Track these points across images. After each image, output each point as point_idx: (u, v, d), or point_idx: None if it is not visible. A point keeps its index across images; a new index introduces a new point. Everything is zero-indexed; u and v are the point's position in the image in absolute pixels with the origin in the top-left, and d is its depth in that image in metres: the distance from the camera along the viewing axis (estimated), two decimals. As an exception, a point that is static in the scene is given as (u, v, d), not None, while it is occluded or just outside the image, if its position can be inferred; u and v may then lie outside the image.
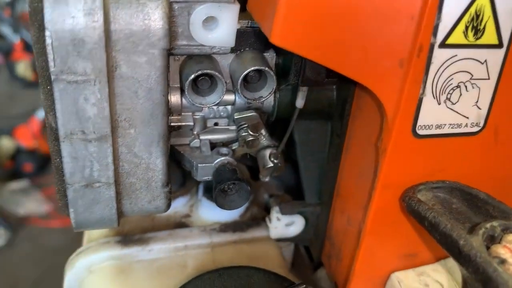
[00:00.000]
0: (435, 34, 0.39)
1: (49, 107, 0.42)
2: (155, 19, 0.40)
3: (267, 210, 0.66)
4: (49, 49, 0.38)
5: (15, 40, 2.87)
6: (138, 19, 0.40)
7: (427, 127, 0.43)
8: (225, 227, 0.62)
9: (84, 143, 0.43)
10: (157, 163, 0.46)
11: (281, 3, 0.38)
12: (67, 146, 0.42)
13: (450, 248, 0.38)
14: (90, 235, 0.63)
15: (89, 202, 0.46)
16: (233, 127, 0.54)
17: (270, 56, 0.50)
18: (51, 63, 0.38)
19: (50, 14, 0.37)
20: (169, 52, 0.44)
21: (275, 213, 0.60)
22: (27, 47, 2.84)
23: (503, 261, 0.36)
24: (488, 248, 0.37)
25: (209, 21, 0.44)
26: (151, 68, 0.42)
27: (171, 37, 0.42)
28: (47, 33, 0.37)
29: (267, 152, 0.55)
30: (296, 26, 0.39)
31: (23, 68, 2.90)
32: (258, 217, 0.66)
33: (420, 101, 0.41)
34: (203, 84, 0.47)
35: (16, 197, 2.28)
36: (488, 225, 0.38)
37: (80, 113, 0.41)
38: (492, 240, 0.38)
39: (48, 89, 0.41)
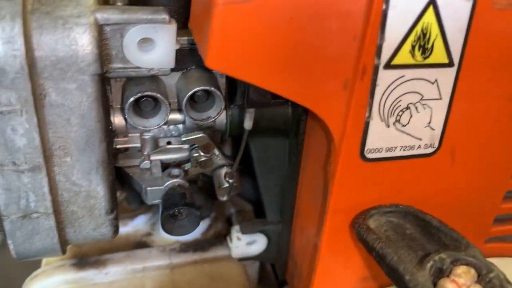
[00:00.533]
0: (378, 55, 0.37)
1: (-24, 138, 0.40)
2: (83, 44, 0.38)
3: (231, 225, 0.64)
4: (-33, 78, 0.36)
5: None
6: (64, 44, 0.37)
7: (376, 150, 0.41)
8: (186, 247, 0.60)
9: (16, 174, 0.41)
10: (98, 190, 0.44)
11: (214, 26, 0.35)
12: (-1, 177, 0.40)
13: (397, 281, 0.36)
14: (47, 257, 0.61)
15: (28, 233, 0.44)
16: (186, 146, 0.52)
17: (220, 74, 0.48)
18: (-29, 93, 0.36)
19: (-35, 44, 0.35)
20: (104, 76, 0.41)
21: (235, 233, 0.58)
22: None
23: (448, 298, 0.34)
24: (435, 283, 0.35)
25: (145, 42, 0.41)
26: (83, 94, 0.39)
27: (104, 61, 0.40)
28: (-37, 63, 0.35)
29: (223, 171, 0.52)
30: (231, 49, 0.36)
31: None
32: (222, 233, 0.64)
33: (367, 125, 0.39)
34: (146, 105, 0.45)
35: (8, 198, 2.26)
36: (436, 258, 0.36)
37: (9, 144, 0.39)
38: (440, 273, 0.36)
39: (-27, 121, 0.39)
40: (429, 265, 0.36)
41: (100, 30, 0.39)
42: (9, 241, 0.44)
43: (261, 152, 0.54)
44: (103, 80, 0.41)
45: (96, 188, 0.44)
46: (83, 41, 0.38)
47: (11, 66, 0.36)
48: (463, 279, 0.35)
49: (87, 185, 0.44)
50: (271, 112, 0.50)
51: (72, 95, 0.39)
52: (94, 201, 0.45)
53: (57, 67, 0.38)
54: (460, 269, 0.36)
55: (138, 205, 0.64)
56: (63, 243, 0.46)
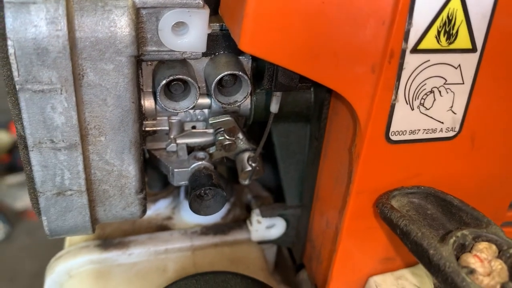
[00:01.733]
0: (406, 39, 0.38)
1: (17, 116, 0.41)
2: (121, 26, 0.39)
3: (250, 211, 0.66)
4: (12, 58, 0.37)
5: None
6: (103, 26, 0.39)
7: (400, 132, 0.42)
8: (206, 230, 0.62)
9: (53, 152, 0.42)
10: (130, 170, 0.46)
11: (249, 10, 0.37)
12: (36, 155, 0.42)
13: (420, 257, 0.38)
14: (71, 239, 0.62)
15: (61, 210, 0.45)
16: (211, 131, 0.53)
17: (246, 59, 0.49)
18: (15, 73, 0.38)
19: (11, 23, 0.36)
20: (139, 59, 0.43)
21: (255, 216, 0.60)
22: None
23: (472, 271, 0.35)
24: (458, 257, 0.37)
25: (179, 26, 0.43)
26: (119, 75, 0.41)
27: (139, 44, 0.42)
28: (9, 42, 0.37)
29: (245, 155, 0.54)
30: (264, 33, 0.38)
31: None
32: (240, 218, 0.66)
33: (392, 107, 0.41)
34: (176, 89, 0.47)
35: (14, 191, 2.28)
36: (459, 234, 0.38)
37: (47, 122, 0.41)
38: (463, 248, 0.38)
39: (15, 99, 0.40)
40: (451, 240, 0.37)
41: (137, 13, 0.41)
42: (43, 218, 0.46)
43: (282, 137, 0.55)
44: (138, 63, 0.43)
45: (127, 168, 0.46)
46: (121, 23, 0.39)
47: (54, 46, 0.38)
48: (484, 254, 0.37)
49: (119, 164, 0.45)
50: (294, 98, 0.52)
51: (109, 76, 0.41)
52: (125, 181, 0.46)
53: (96, 48, 0.39)
54: (482, 245, 0.37)
55: (160, 189, 0.66)
56: (94, 221, 0.48)
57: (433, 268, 0.36)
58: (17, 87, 0.39)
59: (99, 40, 0.39)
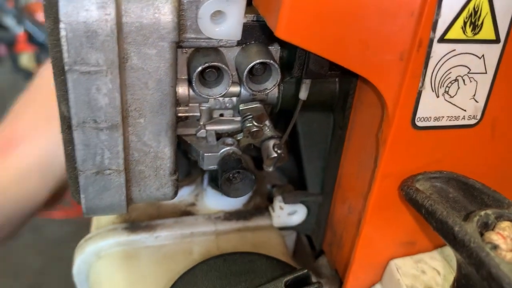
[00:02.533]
0: (434, 29, 0.41)
1: (63, 96, 0.44)
2: (165, 13, 0.42)
3: (269, 200, 0.68)
4: (63, 40, 0.40)
5: (18, 31, 2.87)
6: (148, 12, 0.41)
7: (425, 119, 0.44)
8: (229, 216, 0.64)
9: (95, 132, 0.44)
10: (165, 151, 0.48)
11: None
12: (80, 134, 0.44)
13: (445, 234, 0.40)
14: (98, 222, 0.65)
15: (99, 189, 0.48)
16: (238, 118, 0.56)
17: (275, 49, 0.52)
18: (65, 54, 0.40)
19: (65, 7, 0.39)
20: (178, 45, 0.45)
21: (278, 202, 0.62)
22: (30, 39, 2.85)
23: (495, 247, 0.37)
24: (482, 234, 0.39)
25: (217, 15, 0.45)
26: (161, 60, 0.43)
27: (179, 31, 0.44)
28: (61, 25, 0.39)
29: (271, 142, 0.56)
30: (300, 21, 0.40)
31: (26, 59, 2.91)
32: (261, 206, 0.68)
33: (419, 94, 0.43)
34: (210, 76, 0.49)
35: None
36: (482, 213, 0.40)
37: (92, 103, 0.43)
38: (486, 227, 0.40)
39: (62, 79, 0.42)
40: (475, 219, 0.39)
41: (179, 1, 0.43)
42: (82, 196, 0.48)
43: (306, 126, 0.58)
44: (177, 49, 0.45)
45: (163, 149, 0.48)
46: (165, 10, 0.42)
47: (103, 29, 0.40)
48: (507, 232, 0.39)
49: (156, 146, 0.48)
50: (320, 88, 0.54)
51: (151, 60, 0.43)
52: (160, 162, 0.49)
53: (140, 33, 0.42)
54: (505, 224, 0.39)
55: (183, 177, 0.68)
56: (129, 201, 0.50)
57: (458, 244, 0.38)
58: (65, 68, 0.41)
59: (144, 25, 0.41)
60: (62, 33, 0.39)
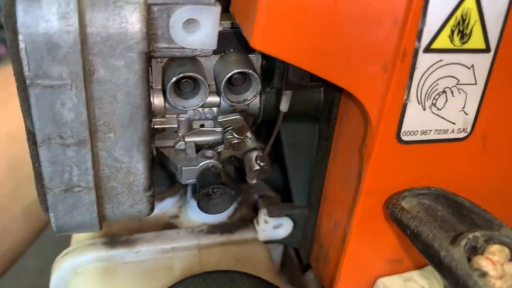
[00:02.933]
0: (419, 38, 0.38)
1: (26, 111, 0.41)
2: (133, 22, 0.39)
3: (256, 211, 0.65)
4: (22, 53, 0.37)
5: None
6: (115, 22, 0.39)
7: (412, 133, 0.42)
8: (213, 229, 0.62)
9: (62, 148, 0.42)
10: (138, 167, 0.46)
11: (261, 7, 0.37)
12: (45, 150, 0.42)
13: (431, 258, 0.37)
14: (77, 236, 0.62)
15: (69, 207, 0.45)
16: (219, 129, 0.53)
17: (256, 57, 0.49)
18: (25, 68, 0.38)
19: (23, 18, 0.36)
20: (149, 55, 0.43)
21: (262, 216, 0.59)
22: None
23: (484, 274, 0.35)
24: (470, 259, 0.37)
25: (190, 23, 0.43)
26: (129, 71, 0.41)
27: (150, 40, 0.41)
28: (20, 37, 0.37)
29: (254, 154, 0.54)
30: (276, 30, 0.38)
31: (25, 59, 2.88)
32: (247, 218, 0.66)
33: (404, 107, 0.40)
34: (186, 86, 0.46)
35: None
36: (470, 236, 0.37)
37: (57, 118, 0.40)
38: (474, 251, 0.37)
39: (24, 94, 0.40)
40: (463, 242, 0.37)
41: (148, 9, 0.40)
42: (51, 214, 0.45)
43: (291, 137, 0.55)
44: (148, 60, 0.43)
45: (136, 165, 0.46)
46: (132, 19, 0.39)
47: (65, 41, 0.37)
48: (497, 256, 0.36)
49: (128, 161, 0.45)
50: (303, 97, 0.52)
51: (120, 72, 0.41)
52: (133, 178, 0.46)
53: (107, 44, 0.39)
54: (494, 248, 0.37)
55: (166, 188, 0.66)
56: (101, 218, 0.48)
57: (444, 270, 0.36)
58: (27, 82, 0.38)
59: (110, 36, 0.39)
60: (21, 45, 0.37)
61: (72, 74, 0.39)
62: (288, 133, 0.55)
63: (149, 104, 0.45)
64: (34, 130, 0.41)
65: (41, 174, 0.43)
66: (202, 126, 0.54)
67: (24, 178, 0.48)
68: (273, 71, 0.47)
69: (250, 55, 0.49)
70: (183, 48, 0.44)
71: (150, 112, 0.47)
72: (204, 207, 0.49)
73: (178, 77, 0.44)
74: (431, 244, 0.37)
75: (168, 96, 0.45)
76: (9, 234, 0.78)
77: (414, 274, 0.50)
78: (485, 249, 0.37)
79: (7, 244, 0.79)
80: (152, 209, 0.49)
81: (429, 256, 0.38)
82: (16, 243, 0.80)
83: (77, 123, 0.41)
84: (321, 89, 0.51)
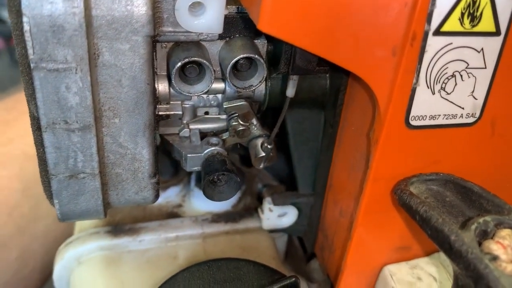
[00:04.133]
0: (429, 21, 0.37)
1: (30, 96, 0.41)
2: (138, 5, 0.39)
3: (260, 200, 0.65)
4: (27, 35, 0.37)
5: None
6: (120, 5, 0.38)
7: (420, 117, 0.41)
8: (217, 218, 0.61)
9: (67, 133, 0.42)
10: (143, 153, 0.45)
11: (268, -12, 0.36)
12: (50, 136, 0.41)
13: (441, 243, 0.37)
14: (81, 225, 0.62)
15: (73, 193, 0.45)
16: (224, 116, 0.53)
17: (261, 43, 0.49)
18: (30, 51, 0.37)
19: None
20: (154, 39, 0.42)
21: (267, 204, 0.59)
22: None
23: (495, 258, 0.34)
24: (480, 243, 0.36)
25: (196, 7, 0.42)
26: (135, 55, 0.40)
27: (155, 24, 0.41)
28: (24, 19, 0.36)
29: (259, 141, 0.53)
30: (284, 12, 0.37)
31: (24, 53, 2.87)
32: (251, 207, 0.65)
33: (413, 91, 0.40)
34: (191, 72, 0.46)
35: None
36: (481, 220, 0.37)
37: (62, 102, 0.40)
38: (484, 235, 0.37)
39: (29, 78, 0.39)
40: (473, 227, 0.36)
41: (154, -8, 0.40)
42: (55, 201, 0.45)
43: (296, 124, 0.55)
44: (154, 44, 0.42)
45: (141, 151, 0.45)
46: (138, 2, 0.38)
47: (70, 23, 0.37)
48: (507, 241, 0.36)
49: (133, 147, 0.45)
50: (309, 84, 0.51)
51: (125, 56, 0.40)
52: (138, 164, 0.46)
53: (112, 27, 0.39)
54: (505, 232, 0.37)
55: (170, 177, 0.65)
56: (106, 205, 0.47)
57: (454, 254, 0.36)
58: (31, 65, 0.38)
59: (116, 18, 0.38)
60: (26, 27, 0.36)
61: (77, 57, 0.38)
62: (293, 120, 0.54)
63: (154, 90, 0.44)
64: (38, 115, 0.41)
65: (46, 161, 0.43)
66: (206, 113, 0.53)
67: (42, 197, 0.47)
68: (279, 57, 0.47)
69: (256, 41, 0.48)
70: (189, 32, 0.43)
71: (155, 98, 0.46)
72: (209, 194, 0.48)
73: (183, 61, 0.44)
74: (441, 229, 0.37)
75: (173, 81, 0.45)
76: (31, 257, 0.76)
77: (421, 262, 0.50)
78: (495, 233, 0.37)
79: (29, 267, 0.76)
80: (157, 196, 0.49)
81: (438, 241, 0.37)
82: (39, 266, 0.77)
83: (82, 107, 0.40)
84: (327, 75, 0.51)
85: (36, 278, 0.78)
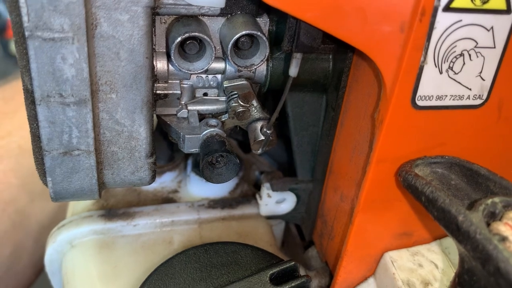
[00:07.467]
0: (439, -4, 0.36)
1: (24, 67, 0.39)
2: (139, -27, 0.37)
3: (257, 187, 0.64)
4: (22, 2, 0.35)
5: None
6: (119, -28, 0.37)
7: (427, 97, 0.40)
8: (214, 203, 0.60)
9: (62, 107, 0.40)
10: (141, 131, 0.44)
11: (274, -41, 0.35)
12: (44, 109, 0.40)
13: (448, 224, 0.36)
14: (74, 208, 0.60)
15: (67, 171, 0.43)
16: (223, 98, 0.51)
17: (263, 21, 0.47)
18: (24, 18, 0.36)
19: (23, -37, 0.34)
20: (154, 11, 0.41)
21: (265, 190, 0.58)
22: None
23: (503, 239, 0.33)
24: (488, 225, 0.35)
25: (198, -21, 0.41)
26: (134, 27, 0.39)
27: (156, -5, 0.40)
28: (19, -17, 0.35)
29: (258, 124, 0.52)
30: (290, -16, 0.36)
31: (17, 45, 2.84)
32: (248, 194, 0.64)
33: (421, 70, 0.39)
34: (191, 48, 0.45)
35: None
36: (489, 201, 0.36)
37: (57, 74, 0.38)
38: (492, 217, 0.36)
39: (23, 47, 0.38)
40: (481, 208, 0.35)
41: (155, -39, 0.38)
42: (48, 179, 0.43)
43: (297, 107, 0.53)
44: (153, 17, 0.41)
45: (138, 129, 0.44)
46: (139, -29, 0.37)
47: (67, -10, 0.35)
48: (516, 222, 0.35)
49: (130, 125, 0.43)
50: (312, 65, 0.50)
51: (123, 27, 0.39)
52: (135, 143, 0.44)
53: (111, -4, 0.37)
54: (513, 214, 0.36)
55: (165, 162, 0.64)
56: (101, 185, 0.46)
57: (462, 235, 0.34)
58: (26, 34, 0.36)
59: (115, -13, 0.37)
60: (20, -8, 0.35)
61: (74, 26, 0.37)
62: (294, 103, 0.53)
63: (152, 65, 0.43)
64: (32, 88, 0.39)
65: (39, 136, 0.41)
66: (205, 94, 0.52)
67: (38, 193, 0.45)
68: (281, 36, 0.46)
69: (258, 19, 0.47)
70: (190, 5, 0.42)
71: (154, 74, 0.45)
72: (208, 176, 0.47)
73: (184, 36, 0.42)
74: (448, 210, 0.36)
75: (172, 57, 0.43)
76: (24, 252, 0.74)
77: (423, 248, 0.49)
78: (503, 215, 0.36)
79: (22, 263, 0.74)
80: (153, 177, 0.47)
81: (445, 222, 0.36)
82: (32, 262, 0.75)
83: (78, 80, 0.39)
84: (330, 57, 0.50)
85: (29, 273, 0.76)
